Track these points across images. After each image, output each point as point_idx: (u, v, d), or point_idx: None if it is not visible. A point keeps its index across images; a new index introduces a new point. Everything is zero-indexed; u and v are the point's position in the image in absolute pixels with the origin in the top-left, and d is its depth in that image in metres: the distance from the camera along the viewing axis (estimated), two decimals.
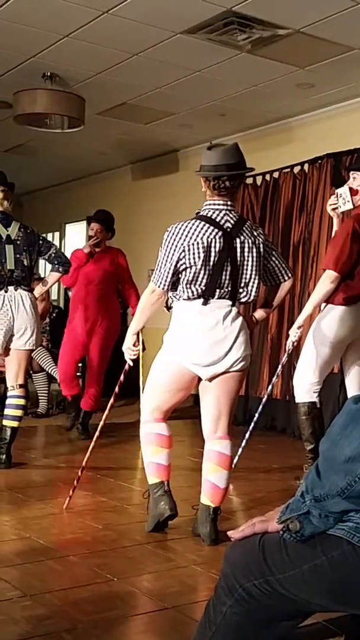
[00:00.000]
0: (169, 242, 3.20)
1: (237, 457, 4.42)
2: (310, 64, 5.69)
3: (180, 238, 3.17)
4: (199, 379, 3.31)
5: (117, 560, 2.99)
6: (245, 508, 3.89)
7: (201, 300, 3.21)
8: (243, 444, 4.60)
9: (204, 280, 3.18)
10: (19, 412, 4.70)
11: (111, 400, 3.79)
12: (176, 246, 3.17)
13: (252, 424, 4.63)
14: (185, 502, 3.72)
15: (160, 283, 3.24)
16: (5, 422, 4.69)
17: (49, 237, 11.60)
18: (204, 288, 3.19)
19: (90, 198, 10.17)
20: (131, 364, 3.56)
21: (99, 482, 4.35)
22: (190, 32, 5.14)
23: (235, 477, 4.47)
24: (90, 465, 4.54)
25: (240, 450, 4.54)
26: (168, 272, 3.20)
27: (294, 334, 4.31)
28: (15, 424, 4.67)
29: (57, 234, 11.40)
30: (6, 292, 4.61)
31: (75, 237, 11.15)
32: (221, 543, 3.13)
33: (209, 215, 3.22)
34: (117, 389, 3.72)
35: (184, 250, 3.16)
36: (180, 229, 3.19)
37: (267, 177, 7.09)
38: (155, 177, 8.93)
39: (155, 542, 3.23)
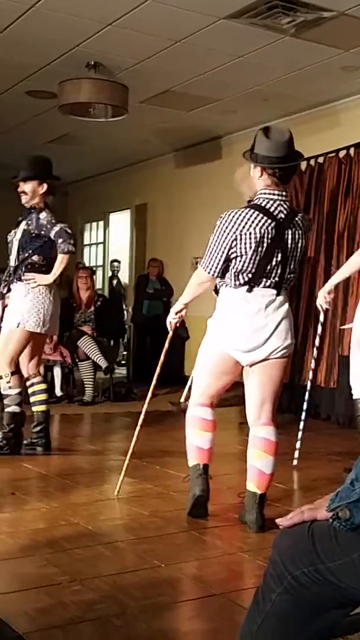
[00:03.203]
0: (221, 230, 3.18)
1: (297, 451, 4.36)
2: (355, 46, 5.60)
3: (233, 226, 3.15)
4: (236, 365, 3.32)
5: (164, 546, 3.01)
6: (292, 495, 3.87)
7: (246, 287, 3.21)
8: (300, 435, 4.50)
9: (253, 269, 3.18)
10: (44, 396, 4.78)
11: (151, 387, 3.84)
12: (228, 234, 3.16)
13: (304, 413, 4.57)
14: (231, 489, 3.73)
15: (210, 269, 3.24)
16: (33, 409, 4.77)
17: (93, 226, 11.70)
18: (250, 276, 3.20)
19: (133, 187, 10.20)
20: (170, 332, 3.61)
21: (145, 469, 4.38)
22: (233, 17, 5.09)
23: (281, 465, 4.46)
24: (136, 452, 4.59)
25: (299, 443, 4.45)
26: (219, 259, 3.19)
27: (322, 297, 4.30)
28: (44, 407, 4.75)
29: (101, 223, 11.46)
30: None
31: (120, 226, 11.20)
32: (268, 530, 3.12)
33: (263, 205, 3.19)
34: (158, 369, 3.77)
35: (236, 239, 3.15)
36: (234, 217, 3.16)
37: (312, 162, 7.00)
38: (198, 165, 8.91)
39: (202, 529, 3.25)
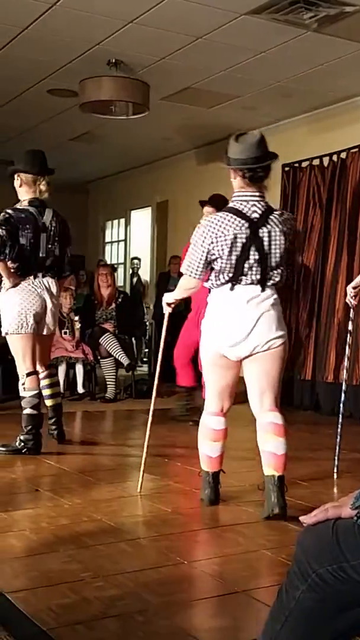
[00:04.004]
0: (199, 236, 3.36)
1: (336, 458, 4.27)
2: None
3: (208, 232, 3.32)
4: (236, 362, 3.44)
5: (186, 543, 3.02)
6: (314, 493, 3.85)
7: (228, 285, 3.36)
8: (338, 439, 4.30)
9: (232, 269, 3.33)
10: (49, 391, 4.86)
11: (154, 385, 3.96)
12: (205, 239, 3.33)
13: (340, 414, 4.46)
14: (253, 487, 3.72)
15: (192, 273, 3.42)
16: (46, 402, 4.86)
17: (115, 223, 11.73)
18: (231, 275, 3.34)
19: (155, 184, 10.20)
20: (166, 323, 3.93)
21: (167, 466, 4.39)
22: (255, 13, 5.07)
23: (302, 462, 4.44)
24: (158, 449, 4.59)
25: (337, 448, 4.29)
26: (199, 263, 3.37)
27: (350, 292, 4.28)
28: (49, 402, 4.85)
29: (122, 221, 11.48)
30: (35, 278, 4.60)
31: (141, 224, 11.21)
32: (290, 524, 3.11)
33: (237, 207, 3.35)
34: (158, 366, 4.03)
35: (212, 242, 3.31)
36: (209, 222, 3.35)
37: (334, 157, 6.96)
38: (219, 162, 8.83)
39: (224, 526, 3.24)
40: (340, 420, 4.40)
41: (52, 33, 5.55)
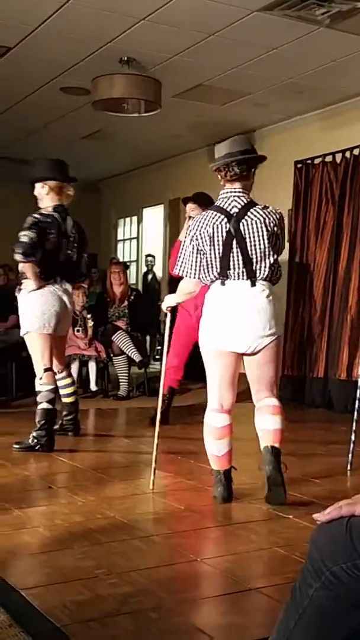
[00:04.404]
0: (188, 234, 3.48)
1: (350, 455, 4.26)
2: None
3: (192, 230, 3.45)
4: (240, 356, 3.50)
5: (199, 541, 3.02)
6: (327, 490, 3.85)
7: (219, 281, 3.44)
8: (352, 437, 4.27)
9: (217, 264, 3.41)
10: (68, 390, 5.07)
11: (161, 383, 4.03)
12: (191, 238, 3.45)
13: (355, 410, 4.43)
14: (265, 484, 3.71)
15: (186, 272, 3.50)
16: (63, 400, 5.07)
17: (127, 221, 11.73)
18: (219, 270, 3.42)
19: (167, 181, 10.19)
20: (168, 323, 3.96)
21: (180, 464, 4.39)
22: (267, 9, 5.06)
23: (315, 459, 4.44)
24: (171, 446, 4.60)
25: (351, 444, 4.27)
26: (190, 261, 3.46)
27: None
28: (69, 399, 5.08)
29: (134, 218, 11.48)
30: (55, 281, 4.74)
31: (153, 221, 11.21)
32: (303, 522, 3.11)
33: (218, 204, 3.48)
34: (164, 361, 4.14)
35: (197, 239, 3.43)
36: (194, 222, 3.48)
37: (347, 154, 6.93)
38: None
39: (237, 524, 3.24)
40: (355, 416, 4.38)
41: (64, 31, 5.56)
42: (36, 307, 4.68)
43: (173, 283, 9.25)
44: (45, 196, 4.75)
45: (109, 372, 7.72)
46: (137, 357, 7.33)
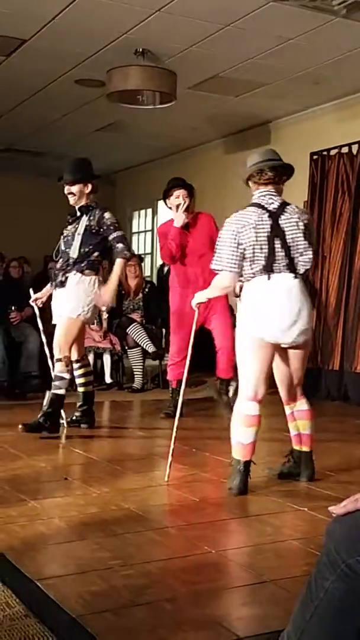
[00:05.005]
0: (227, 229, 3.53)
1: None
2: None
3: (234, 224, 3.53)
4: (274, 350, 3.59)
5: (214, 532, 3.02)
6: (342, 483, 3.83)
7: (264, 275, 3.51)
8: None
9: (262, 257, 3.50)
10: (83, 379, 5.18)
11: (184, 376, 4.11)
12: (233, 232, 3.51)
13: None
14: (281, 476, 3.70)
15: (224, 266, 3.53)
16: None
17: (142, 213, 11.72)
18: (264, 263, 3.50)
19: (182, 174, 10.10)
20: (197, 317, 3.95)
21: (194, 456, 4.39)
22: (282, 0, 5.02)
23: (328, 452, 4.42)
24: (186, 439, 4.61)
25: None
26: (230, 255, 3.51)
27: None
28: (84, 389, 5.16)
29: (149, 211, 11.47)
30: (98, 272, 5.02)
31: (168, 214, 11.19)
32: (319, 515, 3.10)
33: (256, 202, 3.62)
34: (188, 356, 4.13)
35: (238, 232, 3.50)
36: (235, 216, 3.57)
37: None
38: (247, 150, 8.77)
39: (253, 516, 3.24)
40: None
41: (78, 23, 5.55)
42: (87, 294, 4.86)
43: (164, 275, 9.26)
44: (86, 194, 4.97)
45: (123, 365, 7.73)
46: (150, 347, 7.34)
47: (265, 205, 3.57)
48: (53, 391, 4.83)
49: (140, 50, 6.04)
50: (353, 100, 7.25)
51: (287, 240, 3.54)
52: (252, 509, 3.36)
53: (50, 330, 5.16)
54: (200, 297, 3.80)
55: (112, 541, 2.82)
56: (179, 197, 5.73)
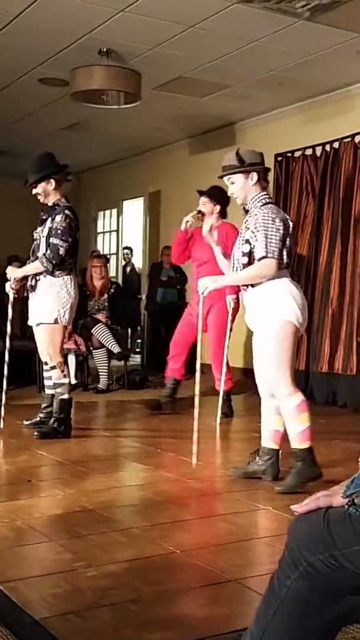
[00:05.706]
0: (276, 217, 3.63)
1: None
2: None
3: (282, 216, 3.69)
4: None
5: (179, 532, 3.02)
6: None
7: (288, 268, 3.73)
8: None
9: (289, 252, 3.70)
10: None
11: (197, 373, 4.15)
12: (281, 223, 3.64)
13: None
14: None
15: (277, 254, 3.62)
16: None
17: (107, 214, 11.68)
18: (289, 258, 3.72)
19: (147, 174, 10.16)
20: (202, 301, 4.10)
21: (159, 456, 4.39)
22: (247, 1, 5.04)
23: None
24: (150, 439, 4.60)
25: None
26: (281, 245, 3.63)
27: None
28: (53, 391, 5.06)
29: (114, 211, 11.43)
30: (71, 272, 4.90)
31: (133, 214, 11.18)
32: (283, 514, 3.12)
33: (272, 202, 3.80)
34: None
35: (286, 226, 3.66)
36: (275, 207, 3.73)
37: (327, 147, 6.95)
38: (212, 151, 8.84)
39: (218, 516, 3.25)
40: None
41: (43, 22, 5.51)
42: (60, 296, 4.79)
43: (153, 275, 9.27)
44: (53, 191, 4.83)
45: (88, 365, 7.70)
46: (116, 349, 7.32)
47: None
48: (60, 397, 4.86)
49: (105, 50, 6.02)
50: (317, 102, 7.32)
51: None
52: (217, 508, 3.37)
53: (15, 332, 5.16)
54: (223, 282, 3.91)
55: (76, 542, 2.81)
56: (204, 204, 5.88)
